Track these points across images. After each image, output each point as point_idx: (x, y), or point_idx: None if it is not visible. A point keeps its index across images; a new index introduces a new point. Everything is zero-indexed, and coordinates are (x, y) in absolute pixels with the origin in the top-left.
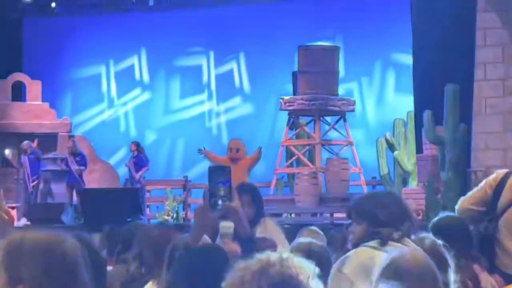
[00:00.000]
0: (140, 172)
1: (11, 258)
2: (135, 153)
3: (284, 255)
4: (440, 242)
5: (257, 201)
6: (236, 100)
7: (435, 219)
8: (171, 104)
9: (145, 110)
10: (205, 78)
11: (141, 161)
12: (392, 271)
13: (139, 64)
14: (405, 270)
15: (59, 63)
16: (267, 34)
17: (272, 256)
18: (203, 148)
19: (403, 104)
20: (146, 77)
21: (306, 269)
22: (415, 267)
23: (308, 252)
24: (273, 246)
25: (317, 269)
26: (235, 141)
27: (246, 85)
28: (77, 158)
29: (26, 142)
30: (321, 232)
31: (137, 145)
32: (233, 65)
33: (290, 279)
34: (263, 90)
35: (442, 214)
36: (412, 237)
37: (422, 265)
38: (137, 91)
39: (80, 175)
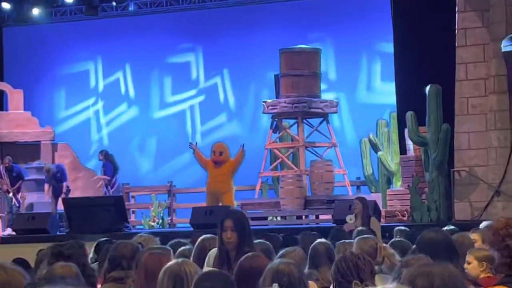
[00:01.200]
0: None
1: None
2: (103, 161)
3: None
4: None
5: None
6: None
7: (419, 236)
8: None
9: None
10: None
11: (108, 169)
12: None
13: (123, 77)
14: None
15: (40, 71)
16: (248, 37)
17: None
18: (194, 143)
19: (385, 104)
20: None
21: None
22: None
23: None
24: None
25: None
26: (218, 144)
27: (231, 98)
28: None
29: (8, 157)
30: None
31: (105, 154)
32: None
33: None
34: (245, 94)
35: (425, 231)
36: (407, 257)
37: None
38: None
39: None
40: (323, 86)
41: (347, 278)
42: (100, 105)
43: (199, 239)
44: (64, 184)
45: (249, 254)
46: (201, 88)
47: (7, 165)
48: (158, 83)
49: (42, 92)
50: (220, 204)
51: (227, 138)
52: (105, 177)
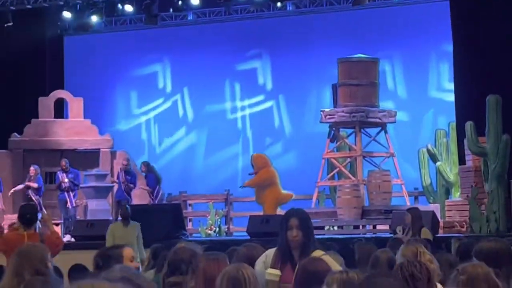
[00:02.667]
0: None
1: None
2: (146, 173)
3: None
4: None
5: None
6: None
7: (476, 245)
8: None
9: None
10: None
11: (150, 180)
12: None
13: (163, 74)
14: None
15: (100, 79)
16: (304, 45)
17: None
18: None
19: (444, 115)
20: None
21: None
22: None
23: None
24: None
25: None
26: (252, 156)
27: (290, 106)
28: (128, 176)
29: (64, 159)
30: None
31: (147, 165)
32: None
33: None
34: (303, 103)
35: (483, 240)
36: (464, 264)
37: None
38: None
39: (128, 193)
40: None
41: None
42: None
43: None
44: (131, 186)
45: (314, 257)
46: (268, 93)
47: (63, 167)
48: (229, 89)
49: (101, 100)
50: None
51: (283, 147)
52: (147, 188)
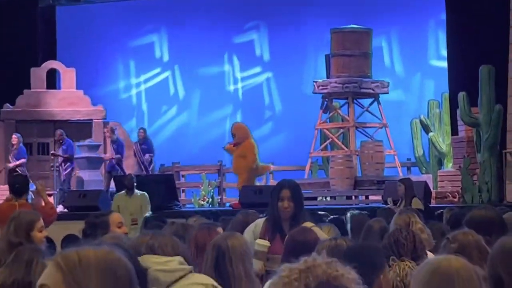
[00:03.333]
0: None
1: (75, 276)
2: (144, 139)
3: (328, 259)
4: (480, 236)
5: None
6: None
7: (468, 214)
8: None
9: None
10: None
11: (150, 146)
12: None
13: (159, 43)
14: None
15: (92, 50)
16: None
17: (318, 258)
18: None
19: (437, 85)
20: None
21: (350, 273)
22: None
23: None
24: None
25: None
26: (232, 125)
27: (267, 57)
28: (114, 145)
29: (59, 130)
30: None
31: (144, 131)
32: (253, 35)
33: (335, 279)
34: (296, 73)
35: (475, 209)
36: (455, 232)
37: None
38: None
39: (118, 163)
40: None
41: (387, 253)
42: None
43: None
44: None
45: (303, 227)
46: (265, 64)
47: (58, 138)
48: (228, 61)
49: (95, 70)
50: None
51: (277, 119)
52: (150, 155)
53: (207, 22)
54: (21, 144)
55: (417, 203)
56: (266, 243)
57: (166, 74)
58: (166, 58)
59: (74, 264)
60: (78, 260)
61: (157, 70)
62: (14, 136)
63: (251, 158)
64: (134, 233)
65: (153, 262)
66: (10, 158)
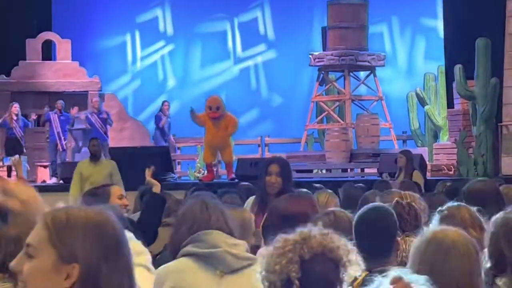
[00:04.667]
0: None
1: (61, 234)
2: (164, 113)
3: (324, 230)
4: (474, 208)
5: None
6: (263, 49)
7: (465, 186)
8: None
9: (172, 62)
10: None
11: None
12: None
13: (163, 17)
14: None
15: (87, 21)
16: None
17: (313, 229)
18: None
19: (433, 58)
20: (170, 30)
21: (345, 245)
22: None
23: None
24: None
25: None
26: (213, 98)
27: (270, 33)
28: (101, 116)
29: (60, 101)
30: None
31: (168, 104)
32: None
33: (330, 251)
34: (292, 45)
35: (472, 180)
36: (449, 203)
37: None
38: (161, 43)
39: (106, 133)
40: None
41: None
42: (138, 46)
43: None
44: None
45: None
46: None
47: (59, 109)
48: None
49: (90, 42)
50: (220, 159)
51: (274, 92)
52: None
53: None
54: (19, 114)
55: (418, 176)
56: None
57: (170, 47)
58: (170, 32)
59: (61, 222)
60: (66, 219)
61: (161, 44)
62: (15, 105)
63: (231, 132)
64: None
65: (223, 242)
66: (13, 127)
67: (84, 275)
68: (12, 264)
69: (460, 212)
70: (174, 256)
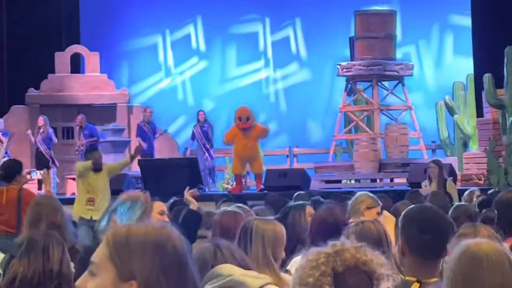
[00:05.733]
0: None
1: (120, 252)
2: (203, 123)
3: (357, 243)
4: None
5: None
6: (293, 67)
7: (498, 196)
8: (228, 72)
9: (203, 79)
10: (261, 45)
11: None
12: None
13: (195, 32)
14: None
15: (116, 34)
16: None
17: (346, 242)
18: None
19: (462, 67)
20: (202, 46)
21: (379, 258)
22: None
23: None
24: None
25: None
26: (243, 109)
27: (303, 52)
28: (152, 126)
29: (80, 115)
30: None
31: (204, 113)
32: (289, 31)
33: (363, 264)
34: (320, 56)
35: (504, 191)
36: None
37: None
38: (194, 59)
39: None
40: (402, 50)
41: None
42: (170, 60)
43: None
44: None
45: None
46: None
47: (78, 123)
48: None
49: (119, 54)
50: (250, 170)
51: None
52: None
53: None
54: (48, 127)
55: (451, 186)
56: None
57: (203, 64)
58: (202, 47)
59: (121, 240)
60: (126, 237)
61: (194, 60)
62: (40, 118)
63: (261, 137)
64: (90, 214)
65: (235, 270)
66: (37, 141)
67: None
68: (78, 283)
69: (477, 231)
70: None
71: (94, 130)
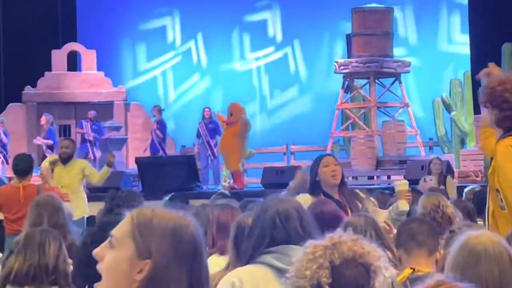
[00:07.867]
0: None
1: (142, 231)
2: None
3: (354, 236)
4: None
5: None
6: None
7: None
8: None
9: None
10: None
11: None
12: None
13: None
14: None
15: (113, 32)
16: None
17: (343, 235)
18: (217, 112)
19: (459, 64)
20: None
21: (376, 251)
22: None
23: None
24: None
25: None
26: (231, 104)
27: (302, 59)
28: (159, 125)
29: (92, 111)
30: None
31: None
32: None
33: (360, 256)
34: (315, 53)
35: None
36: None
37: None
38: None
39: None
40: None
41: None
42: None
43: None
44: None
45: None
46: (278, 45)
47: (91, 116)
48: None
49: (115, 52)
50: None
51: (300, 98)
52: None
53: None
54: (49, 126)
55: (451, 182)
56: (405, 181)
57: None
58: (178, 42)
59: (145, 220)
60: (150, 218)
61: (170, 54)
62: (43, 117)
63: (244, 140)
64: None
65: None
66: (38, 138)
67: (153, 272)
68: (96, 251)
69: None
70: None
71: (101, 128)
